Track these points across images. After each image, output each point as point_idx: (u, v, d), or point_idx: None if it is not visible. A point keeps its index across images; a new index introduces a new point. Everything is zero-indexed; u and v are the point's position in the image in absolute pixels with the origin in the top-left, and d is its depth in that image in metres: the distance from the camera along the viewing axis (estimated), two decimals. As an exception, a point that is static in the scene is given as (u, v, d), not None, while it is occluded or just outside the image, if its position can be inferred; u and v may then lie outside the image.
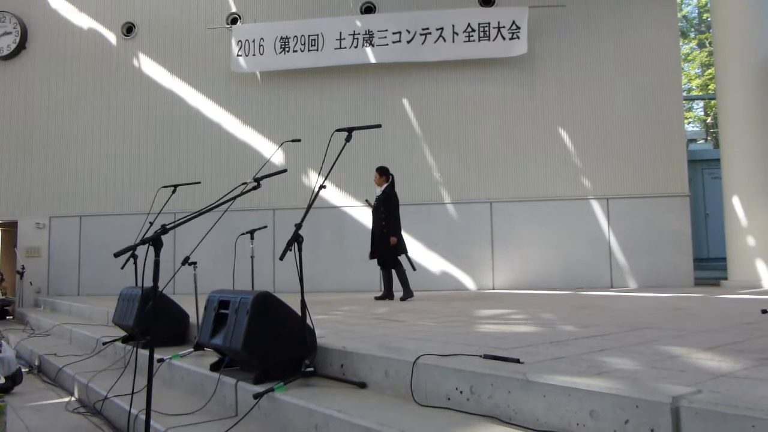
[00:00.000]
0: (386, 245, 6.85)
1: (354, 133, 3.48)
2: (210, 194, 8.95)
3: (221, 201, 3.11)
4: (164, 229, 2.63)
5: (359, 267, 9.26)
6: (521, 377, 2.14)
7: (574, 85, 9.56)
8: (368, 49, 9.74)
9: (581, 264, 9.12)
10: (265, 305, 3.03)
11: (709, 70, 18.57)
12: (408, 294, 6.90)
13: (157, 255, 2.51)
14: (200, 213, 2.90)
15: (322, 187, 3.34)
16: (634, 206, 9.20)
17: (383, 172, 7.11)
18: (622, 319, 4.25)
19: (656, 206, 9.14)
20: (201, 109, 10.43)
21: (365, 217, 8.52)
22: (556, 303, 6.28)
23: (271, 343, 2.97)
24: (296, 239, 2.95)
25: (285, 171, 3.62)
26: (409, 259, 7.04)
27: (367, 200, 7.49)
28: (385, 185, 7.05)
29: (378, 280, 9.06)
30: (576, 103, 9.54)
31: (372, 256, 7.05)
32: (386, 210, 6.92)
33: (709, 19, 17.75)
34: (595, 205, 9.28)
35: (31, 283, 10.61)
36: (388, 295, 7.03)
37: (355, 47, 9.76)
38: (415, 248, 9.41)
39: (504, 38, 9.40)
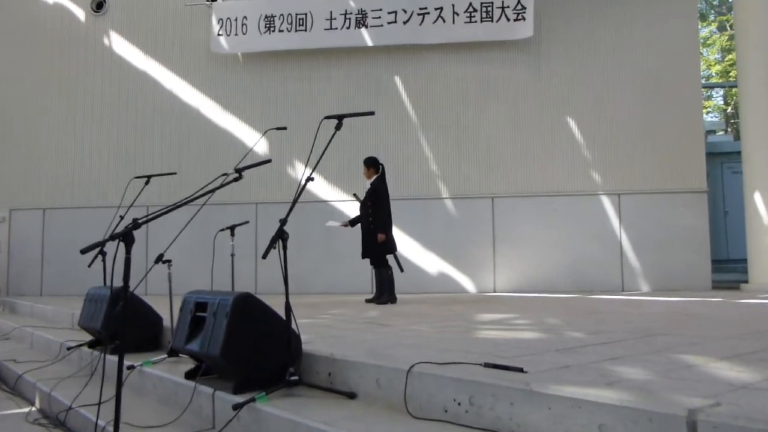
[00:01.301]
0: (373, 242, 6.85)
1: (345, 121, 3.48)
2: (187, 186, 8.90)
3: (199, 193, 3.09)
4: (136, 224, 2.61)
5: (349, 266, 9.26)
6: (525, 388, 2.15)
7: (584, 71, 9.57)
8: (362, 31, 9.70)
9: (590, 265, 9.16)
10: (247, 308, 3.03)
11: (730, 56, 18.65)
12: (391, 298, 6.90)
13: (128, 252, 2.49)
14: (176, 206, 2.88)
15: (309, 179, 3.33)
16: (647, 203, 9.24)
17: (371, 164, 7.10)
18: (634, 324, 4.27)
19: (672, 203, 9.18)
20: (178, 93, 10.37)
21: (357, 212, 8.47)
22: (562, 307, 6.28)
23: (253, 349, 2.97)
24: (281, 236, 2.95)
25: (269, 161, 3.60)
26: (396, 259, 7.04)
27: (355, 194, 7.49)
28: (374, 177, 7.04)
29: (370, 281, 9.05)
30: (586, 91, 9.55)
31: (364, 255, 7.05)
32: (373, 204, 6.92)
33: (730, 0, 17.83)
34: (606, 202, 9.31)
35: (-11, 282, 10.54)
36: (381, 297, 7.02)
37: (347, 28, 9.72)
38: (409, 247, 9.41)
39: (508, 19, 9.39)
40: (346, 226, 7.34)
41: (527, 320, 4.84)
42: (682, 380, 2.23)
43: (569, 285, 9.11)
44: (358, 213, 7.34)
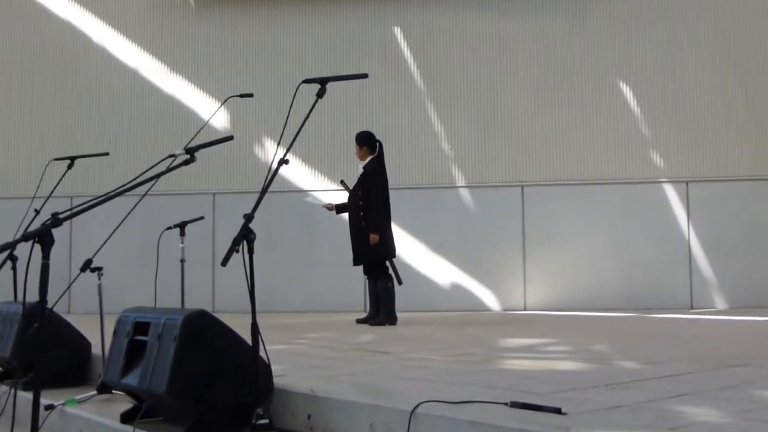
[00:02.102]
0: (365, 245, 6.85)
1: (330, 86, 3.47)
2: (122, 171, 8.87)
3: (138, 181, 3.08)
4: (56, 220, 2.60)
5: (335, 276, 9.25)
6: (563, 433, 2.15)
7: (641, 25, 9.58)
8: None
9: (648, 275, 9.16)
10: (201, 329, 3.03)
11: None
12: (389, 318, 6.89)
13: (45, 257, 2.49)
14: (108, 197, 2.87)
15: (283, 162, 3.32)
16: (724, 193, 9.26)
17: (365, 141, 7.10)
18: (706, 352, 4.30)
19: (755, 193, 9.20)
20: (110, 50, 10.33)
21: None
22: (612, 329, 6.30)
23: (209, 383, 2.96)
24: (245, 236, 2.94)
25: (230, 139, 3.59)
26: (393, 266, 7.05)
27: (342, 181, 7.48)
28: (369, 158, 7.04)
29: (362, 296, 9.05)
30: (644, 51, 9.55)
31: (357, 261, 7.06)
32: (365, 194, 6.92)
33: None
34: (670, 192, 9.31)
35: None
36: (377, 317, 7.01)
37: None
38: (412, 251, 9.41)
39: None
40: (330, 209, 7.36)
41: (566, 347, 4.83)
42: (765, 423, 2.23)
43: (621, 301, 9.12)
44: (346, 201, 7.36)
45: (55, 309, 4.47)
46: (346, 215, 7.33)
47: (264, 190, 3.20)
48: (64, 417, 3.78)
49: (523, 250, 9.40)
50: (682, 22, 9.53)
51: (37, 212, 5.34)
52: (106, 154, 6.20)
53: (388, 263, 7.03)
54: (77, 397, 3.90)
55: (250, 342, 2.97)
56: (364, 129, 7.39)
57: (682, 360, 3.89)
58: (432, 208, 9.55)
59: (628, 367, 3.63)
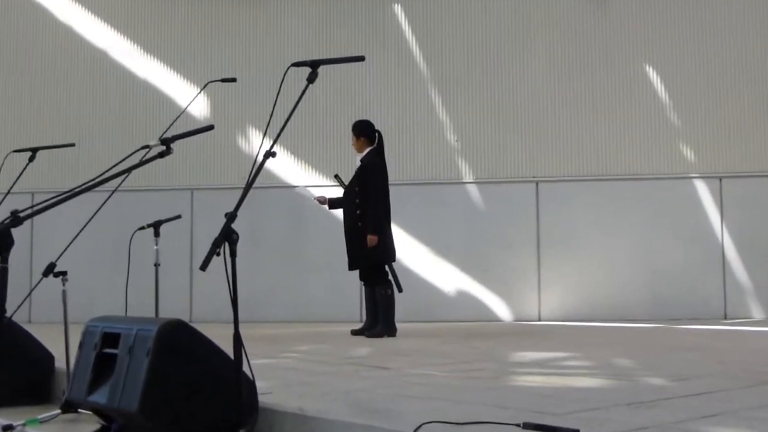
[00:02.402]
0: (362, 247, 6.85)
1: (322, 70, 3.46)
2: (90, 164, 8.87)
3: (108, 175, 3.08)
4: (16, 219, 2.60)
5: (328, 282, 9.24)
6: (581, 458, 2.15)
7: (670, 4, 9.55)
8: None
9: (677, 280, 9.16)
10: (177, 342, 3.02)
11: None
12: (388, 329, 6.89)
13: (3, 260, 2.49)
14: (74, 194, 2.87)
15: (269, 154, 3.32)
16: (761, 189, 9.26)
17: (363, 130, 7.09)
18: (741, 367, 4.29)
19: (797, 190, 9.22)
20: (77, 29, 10.31)
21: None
22: (636, 342, 6.29)
23: (186, 401, 2.96)
24: (227, 238, 2.94)
25: (211, 128, 3.59)
26: (393, 271, 7.05)
27: (337, 176, 7.46)
28: (367, 150, 7.04)
29: (358, 304, 9.05)
30: (674, 33, 9.54)
31: (352, 265, 7.06)
32: (362, 190, 6.92)
33: None
34: (702, 189, 9.31)
35: None
36: (374, 327, 7.00)
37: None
38: (414, 254, 9.40)
39: None
40: (323, 202, 7.33)
41: (585, 361, 4.83)
42: (808, 447, 2.25)
43: (647, 310, 9.11)
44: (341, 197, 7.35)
45: (14, 318, 4.47)
46: (340, 212, 7.32)
47: (248, 186, 3.19)
48: (24, 439, 3.77)
49: (537, 253, 9.39)
50: (715, 1, 9.52)
51: (-6, 210, 5.34)
52: (72, 145, 6.18)
53: (387, 268, 7.02)
54: (39, 417, 3.89)
55: (232, 355, 2.96)
56: (362, 117, 7.38)
57: (715, 376, 3.88)
58: (436, 206, 9.54)
59: (654, 384, 3.63)
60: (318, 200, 7.43)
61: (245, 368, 2.98)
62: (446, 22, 9.84)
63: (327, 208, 7.47)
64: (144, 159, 3.18)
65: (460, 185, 9.60)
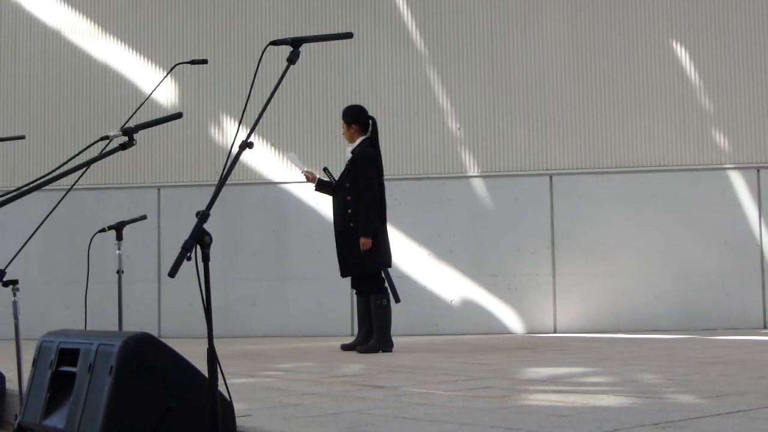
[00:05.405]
0: (354, 251, 6.83)
1: (305, 49, 3.44)
2: (42, 158, 8.84)
3: (63, 171, 3.04)
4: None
5: (313, 291, 9.23)
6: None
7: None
8: None
9: (711, 286, 9.19)
10: (143, 358, 3.02)
11: None
12: (383, 344, 6.88)
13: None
14: (24, 192, 2.84)
15: (245, 145, 3.29)
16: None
17: (355, 117, 7.12)
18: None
19: None
20: (26, 6, 10.28)
21: (325, 199, 8.46)
22: (664, 355, 6.40)
23: (154, 426, 2.95)
24: (199, 240, 2.90)
25: (179, 116, 3.58)
26: (389, 278, 7.04)
27: (326, 169, 7.44)
28: (359, 140, 6.99)
29: (349, 315, 9.04)
30: (704, 6, 9.55)
31: (345, 271, 7.11)
32: (354, 185, 6.86)
33: None
34: (737, 181, 9.34)
35: None
36: (369, 341, 6.98)
37: None
38: (413, 258, 9.39)
39: None
40: (311, 180, 7.17)
41: (607, 377, 4.86)
42: None
43: (675, 320, 9.17)
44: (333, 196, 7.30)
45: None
46: (329, 211, 7.29)
47: (222, 182, 3.16)
48: (-32, 472, 3.77)
49: (552, 256, 9.40)
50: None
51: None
52: (22, 137, 6.20)
53: (383, 275, 6.97)
54: (-14, 446, 3.89)
55: (206, 374, 2.93)
56: (352, 103, 7.35)
57: (752, 392, 3.89)
58: (438, 203, 9.55)
59: (684, 402, 3.66)
60: (306, 175, 7.21)
61: (221, 388, 2.96)
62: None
63: (313, 188, 7.27)
64: (104, 152, 3.18)
65: (463, 179, 9.60)
